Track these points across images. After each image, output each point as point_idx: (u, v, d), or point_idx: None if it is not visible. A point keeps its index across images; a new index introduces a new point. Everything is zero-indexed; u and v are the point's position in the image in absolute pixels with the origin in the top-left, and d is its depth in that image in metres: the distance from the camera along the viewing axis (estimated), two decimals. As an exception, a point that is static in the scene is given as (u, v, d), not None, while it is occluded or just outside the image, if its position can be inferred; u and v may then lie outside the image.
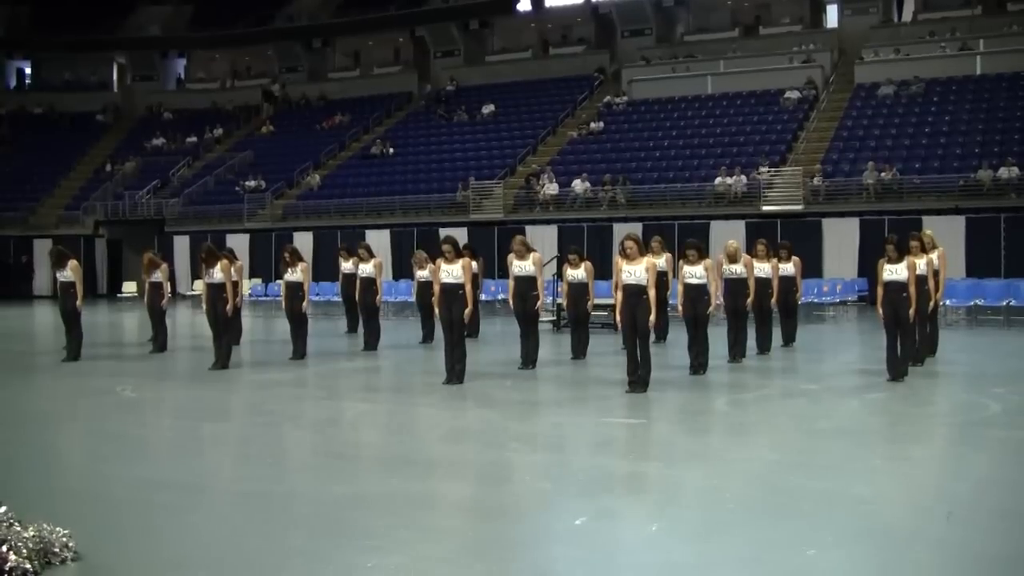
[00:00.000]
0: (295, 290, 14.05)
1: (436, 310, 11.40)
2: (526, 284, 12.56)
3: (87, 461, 7.73)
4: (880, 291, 10.98)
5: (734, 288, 13.01)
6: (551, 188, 29.39)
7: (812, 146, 29.34)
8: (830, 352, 15.57)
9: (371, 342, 15.28)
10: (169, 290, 15.80)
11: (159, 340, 15.11)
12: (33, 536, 4.69)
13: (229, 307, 12.99)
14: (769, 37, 36.38)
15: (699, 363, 11.63)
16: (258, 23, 44.07)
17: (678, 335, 13.53)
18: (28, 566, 4.54)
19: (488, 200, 30.19)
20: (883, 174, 25.76)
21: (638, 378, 10.19)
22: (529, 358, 12.49)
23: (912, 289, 10.75)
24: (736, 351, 12.94)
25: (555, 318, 18.01)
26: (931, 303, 12.06)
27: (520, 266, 12.56)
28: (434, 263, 11.99)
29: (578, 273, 13.01)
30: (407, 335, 17.18)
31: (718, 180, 27.53)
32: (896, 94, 30.37)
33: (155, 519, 5.80)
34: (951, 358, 13.40)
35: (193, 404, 10.51)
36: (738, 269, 13.03)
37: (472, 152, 34.42)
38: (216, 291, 12.93)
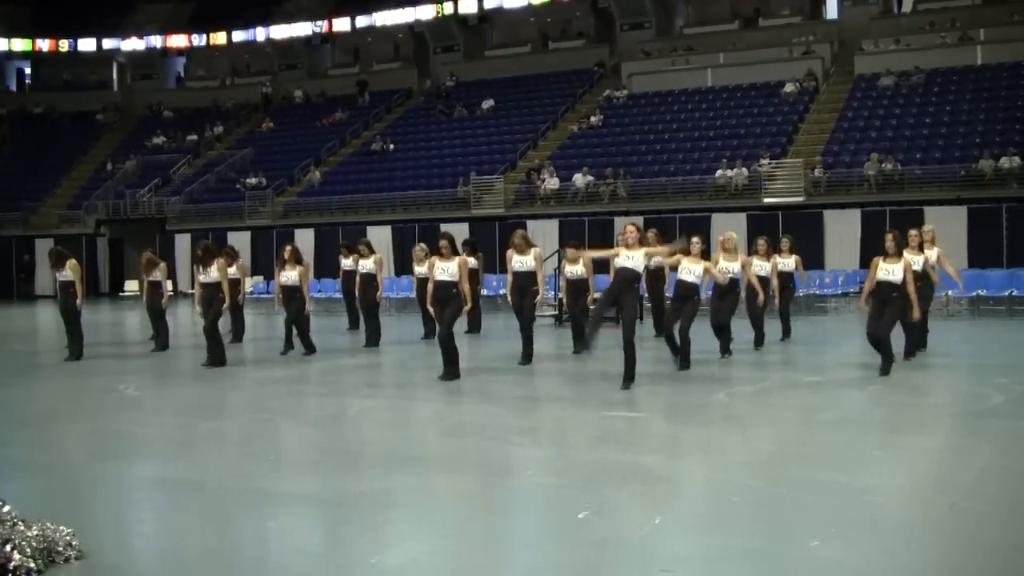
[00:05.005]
0: (291, 292, 13.93)
1: (429, 307, 11.16)
2: (526, 279, 12.53)
3: (90, 459, 7.73)
4: (868, 286, 10.94)
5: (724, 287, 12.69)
6: (552, 182, 29.38)
7: (813, 138, 29.32)
8: (831, 344, 15.56)
9: (372, 338, 15.28)
10: (169, 288, 15.77)
11: (161, 339, 15.10)
12: (37, 535, 4.70)
13: (227, 304, 12.96)
14: (769, 29, 36.38)
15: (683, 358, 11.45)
16: (257, 20, 44.04)
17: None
18: (32, 565, 4.55)
19: (489, 195, 30.19)
20: (884, 165, 25.72)
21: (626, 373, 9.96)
22: (524, 353, 12.42)
23: (911, 290, 10.64)
24: (724, 346, 12.64)
25: (557, 313, 18.01)
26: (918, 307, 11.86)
27: (520, 261, 12.54)
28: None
29: (577, 269, 12.95)
30: (408, 331, 17.18)
31: (719, 173, 27.51)
32: (896, 85, 30.33)
33: (158, 517, 5.81)
34: (953, 349, 13.39)
35: (195, 402, 10.51)
36: (734, 267, 12.55)
37: (472, 147, 34.41)
38: (212, 290, 12.89)
